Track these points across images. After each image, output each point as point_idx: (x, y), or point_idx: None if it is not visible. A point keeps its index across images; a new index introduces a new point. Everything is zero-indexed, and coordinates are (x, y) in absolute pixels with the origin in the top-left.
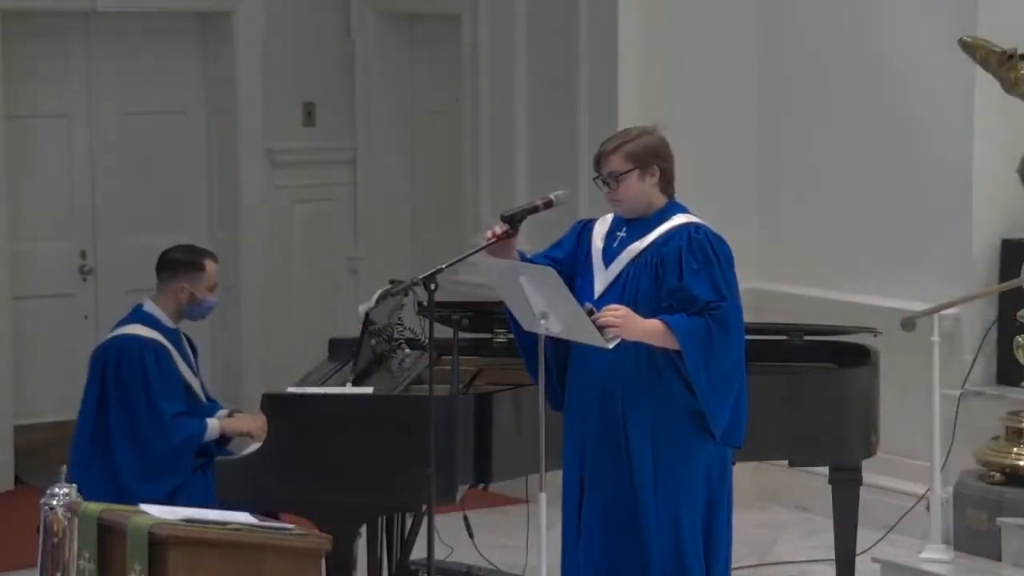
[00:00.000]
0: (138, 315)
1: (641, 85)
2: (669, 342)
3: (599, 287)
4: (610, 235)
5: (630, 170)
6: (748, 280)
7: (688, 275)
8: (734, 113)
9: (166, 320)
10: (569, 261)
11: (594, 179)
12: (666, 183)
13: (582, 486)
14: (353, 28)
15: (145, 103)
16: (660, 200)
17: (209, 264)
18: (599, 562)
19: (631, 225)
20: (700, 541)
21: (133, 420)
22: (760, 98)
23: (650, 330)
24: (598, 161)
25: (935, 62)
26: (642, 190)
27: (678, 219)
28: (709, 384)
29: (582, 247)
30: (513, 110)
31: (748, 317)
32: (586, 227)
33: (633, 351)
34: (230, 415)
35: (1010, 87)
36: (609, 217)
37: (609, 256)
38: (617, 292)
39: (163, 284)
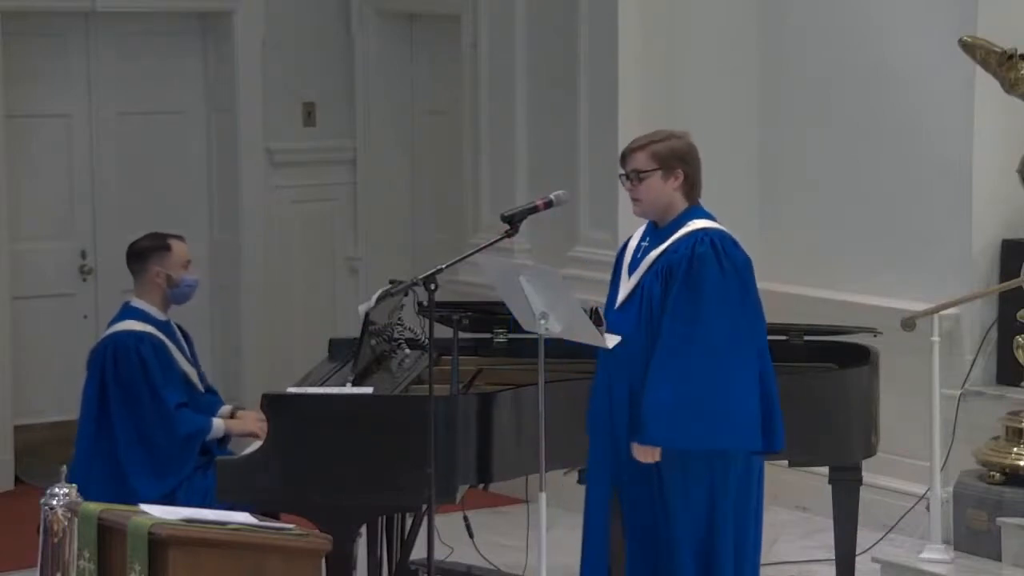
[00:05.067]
0: (128, 312)
1: (641, 85)
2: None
3: (621, 296)
4: (638, 245)
5: (653, 170)
6: None
7: (669, 305)
8: (734, 113)
9: (156, 312)
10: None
11: (620, 175)
12: (689, 188)
13: (614, 494)
14: (353, 28)
15: (145, 103)
16: (681, 205)
17: (174, 243)
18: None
19: (655, 233)
20: (732, 547)
21: (137, 414)
22: (760, 98)
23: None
24: (624, 158)
25: (935, 62)
26: (663, 192)
27: (692, 225)
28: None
29: (619, 261)
30: (513, 110)
31: None
32: (624, 244)
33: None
34: (233, 413)
35: (1010, 87)
36: (643, 226)
37: (633, 266)
38: (636, 301)
39: (138, 276)
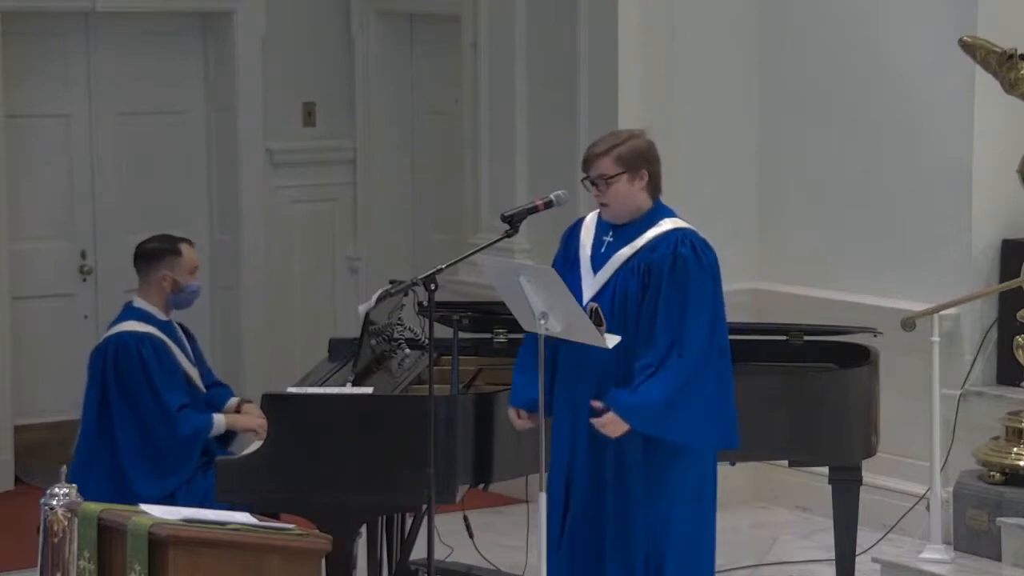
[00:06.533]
0: (130, 313)
1: (641, 85)
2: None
3: (588, 293)
4: (597, 239)
5: (619, 173)
6: (748, 280)
7: (662, 313)
8: (734, 113)
9: (158, 313)
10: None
11: (582, 180)
12: (654, 187)
13: (568, 496)
14: (353, 28)
15: (145, 103)
16: (647, 203)
17: (185, 248)
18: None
19: (618, 230)
20: (688, 547)
21: (138, 415)
22: (760, 98)
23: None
24: (587, 163)
25: (935, 62)
26: (630, 193)
27: (666, 224)
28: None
29: (569, 250)
30: (513, 110)
31: (748, 317)
32: (573, 230)
33: (624, 360)
34: (239, 407)
35: (1010, 87)
36: (595, 217)
37: (597, 262)
38: (607, 298)
39: (144, 276)
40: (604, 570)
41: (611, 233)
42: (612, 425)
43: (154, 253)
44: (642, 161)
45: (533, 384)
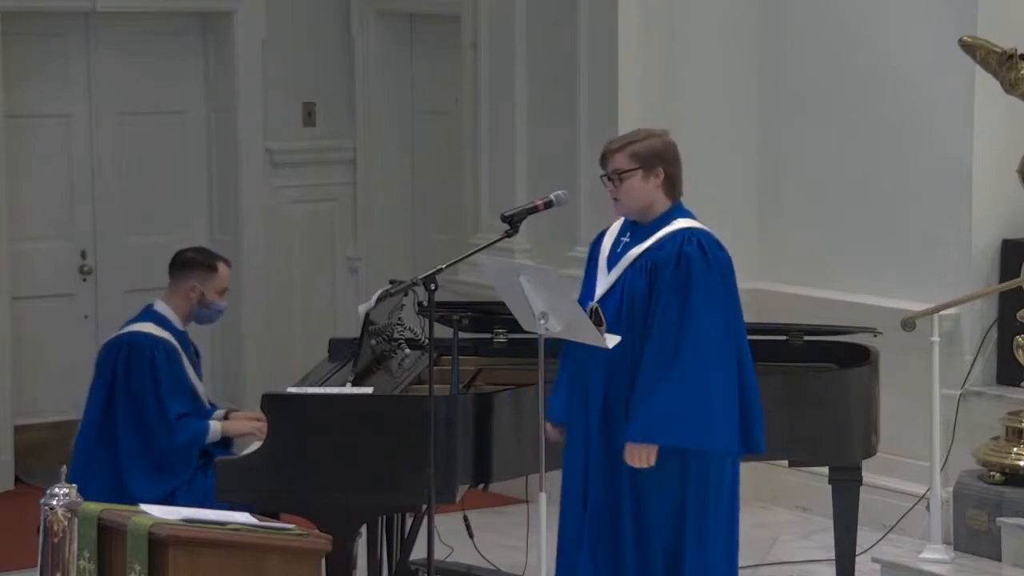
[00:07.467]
0: (149, 315)
1: (641, 85)
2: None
3: (599, 290)
4: (617, 239)
5: (633, 169)
6: (748, 280)
7: (660, 307)
8: (734, 113)
9: (176, 321)
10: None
11: (600, 176)
12: (671, 187)
13: (586, 495)
14: (353, 28)
15: (145, 103)
16: (663, 204)
17: (222, 267)
18: (602, 569)
19: (635, 230)
20: (704, 548)
21: (140, 417)
22: (760, 98)
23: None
24: (603, 158)
25: (935, 62)
26: (644, 191)
27: (677, 224)
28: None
29: (593, 255)
30: (513, 110)
31: (748, 317)
32: (598, 237)
33: (631, 359)
34: (227, 415)
35: (1010, 87)
36: (620, 222)
37: (612, 261)
38: (616, 296)
39: (174, 283)
40: (623, 570)
41: (628, 233)
42: (634, 456)
43: (190, 263)
44: (657, 160)
45: (569, 399)
